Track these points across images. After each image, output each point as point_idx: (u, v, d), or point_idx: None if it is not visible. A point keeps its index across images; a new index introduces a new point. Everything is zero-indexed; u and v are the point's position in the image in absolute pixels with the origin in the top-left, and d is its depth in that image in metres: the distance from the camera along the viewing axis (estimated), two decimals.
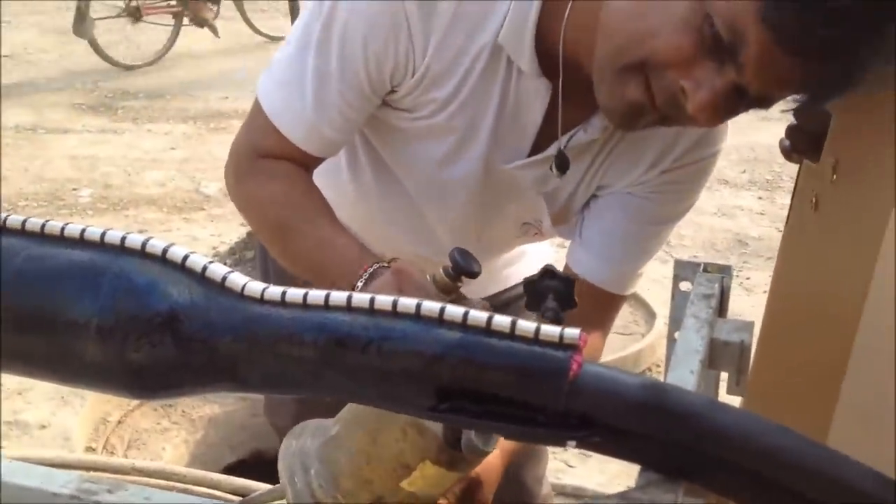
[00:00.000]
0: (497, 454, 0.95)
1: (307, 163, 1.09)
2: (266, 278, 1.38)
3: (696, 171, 1.13)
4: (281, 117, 1.06)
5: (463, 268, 0.83)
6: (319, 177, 1.12)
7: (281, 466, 0.80)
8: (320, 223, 1.05)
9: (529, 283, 0.79)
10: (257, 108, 1.08)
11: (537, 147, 1.08)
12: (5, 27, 6.07)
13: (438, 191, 1.15)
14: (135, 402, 2.11)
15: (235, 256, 3.35)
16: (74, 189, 3.99)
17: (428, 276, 0.86)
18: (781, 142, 1.22)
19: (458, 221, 1.18)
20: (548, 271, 0.79)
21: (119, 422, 2.10)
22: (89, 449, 1.99)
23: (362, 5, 0.97)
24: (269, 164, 1.08)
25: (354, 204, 1.22)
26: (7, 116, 4.75)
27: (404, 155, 1.13)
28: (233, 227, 3.69)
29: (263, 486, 1.31)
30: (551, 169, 1.08)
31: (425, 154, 1.11)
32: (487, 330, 0.55)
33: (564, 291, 0.79)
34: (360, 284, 0.94)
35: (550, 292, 0.79)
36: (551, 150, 1.07)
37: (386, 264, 0.95)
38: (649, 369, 2.91)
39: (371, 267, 0.94)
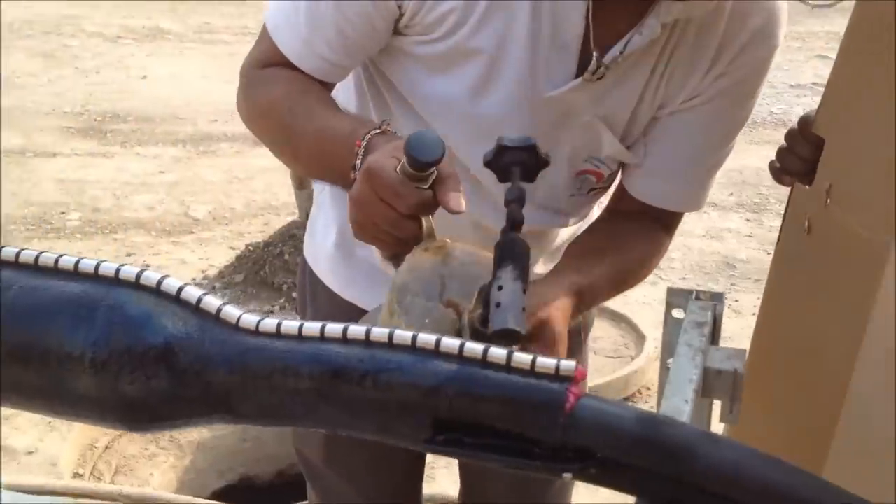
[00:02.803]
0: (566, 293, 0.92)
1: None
2: (304, 307, 1.36)
3: (753, 70, 1.07)
4: (279, 33, 1.03)
5: (417, 159, 0.74)
6: None
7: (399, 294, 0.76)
8: (317, 114, 0.99)
9: (491, 160, 0.75)
10: (264, 27, 1.06)
11: (584, 63, 0.99)
12: None
13: (474, 130, 1.03)
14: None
15: (225, 280, 3.34)
16: (63, 213, 3.97)
17: (398, 169, 0.77)
18: (772, 164, 1.23)
19: None
20: (504, 147, 0.75)
21: (106, 447, 2.09)
22: (76, 475, 1.97)
23: None
24: (269, 72, 1.05)
25: None
26: None
27: (431, 91, 1.03)
28: (222, 251, 3.68)
29: None
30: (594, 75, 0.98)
31: (454, 86, 1.01)
32: (483, 361, 0.55)
33: (532, 165, 0.76)
34: (357, 163, 0.87)
35: (517, 166, 0.75)
36: (615, 62, 0.98)
37: (378, 130, 0.88)
38: (639, 392, 2.91)
39: (363, 140, 0.87)
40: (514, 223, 0.71)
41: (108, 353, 0.55)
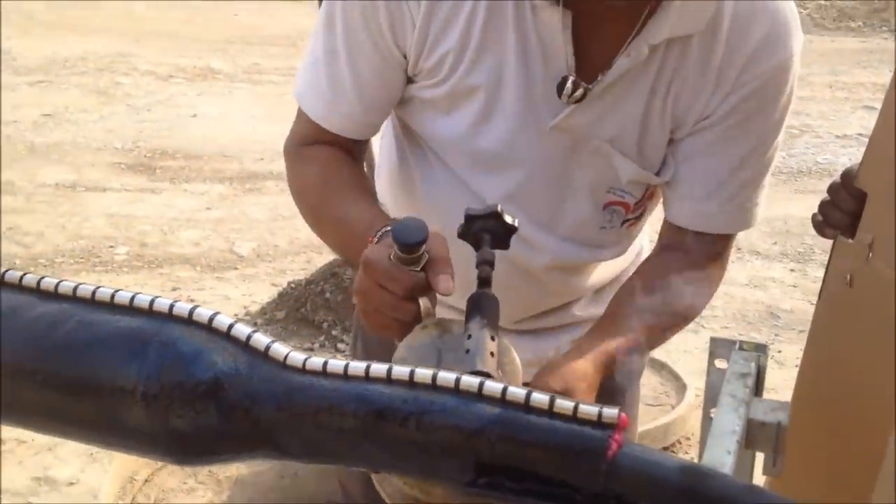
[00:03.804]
0: (588, 360, 0.91)
1: (347, 147, 1.09)
2: (354, 346, 1.37)
3: (766, 83, 1.02)
4: (304, 99, 1.08)
5: (403, 244, 0.78)
6: (390, 187, 1.13)
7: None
8: (341, 202, 1.03)
9: (462, 230, 0.80)
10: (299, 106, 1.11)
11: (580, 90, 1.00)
12: (47, 87, 6.23)
13: (482, 163, 1.06)
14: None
15: (266, 316, 3.37)
16: (111, 246, 4.04)
17: (391, 256, 0.81)
18: (814, 217, 1.22)
19: (523, 201, 1.07)
20: (470, 216, 0.80)
21: (146, 480, 2.10)
22: None
23: None
24: (308, 151, 1.10)
25: (418, 203, 1.16)
26: (47, 174, 4.85)
27: (441, 130, 1.07)
28: (265, 288, 3.71)
29: None
30: (560, 95, 0.99)
31: (458, 123, 1.05)
32: (526, 406, 0.56)
33: (500, 231, 0.80)
34: None
35: (487, 233, 0.80)
36: (599, 84, 0.99)
37: (389, 227, 0.90)
38: (679, 442, 2.87)
39: (376, 237, 0.90)
40: (484, 281, 0.78)
41: (159, 387, 0.56)
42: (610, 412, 0.54)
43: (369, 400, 0.57)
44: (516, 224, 0.80)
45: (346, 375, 0.58)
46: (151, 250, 4.10)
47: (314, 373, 0.58)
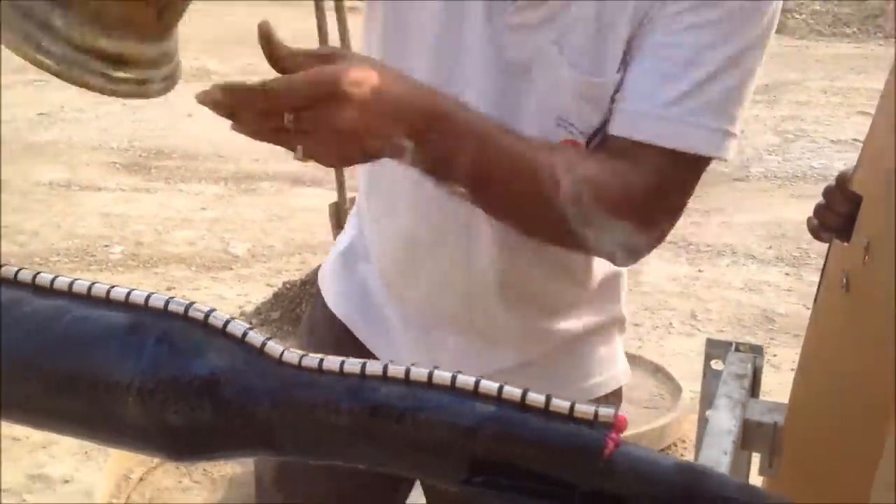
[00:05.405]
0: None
1: None
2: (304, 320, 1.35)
3: None
4: None
5: None
6: None
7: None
8: None
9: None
10: None
11: None
12: (42, 86, 6.22)
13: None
14: (157, 459, 2.10)
15: (261, 317, 3.37)
16: (106, 246, 4.04)
17: None
18: (810, 220, 1.23)
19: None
20: None
21: (141, 479, 2.10)
22: None
23: None
24: None
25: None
26: (42, 173, 4.85)
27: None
28: (259, 288, 3.71)
29: None
30: None
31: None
32: (522, 405, 0.56)
33: None
34: None
35: None
36: None
37: None
38: (674, 444, 2.87)
39: None
40: None
41: (154, 383, 0.56)
42: (606, 411, 0.54)
43: (364, 397, 0.57)
44: None
45: (341, 372, 0.58)
46: (146, 250, 4.10)
47: (310, 370, 0.58)
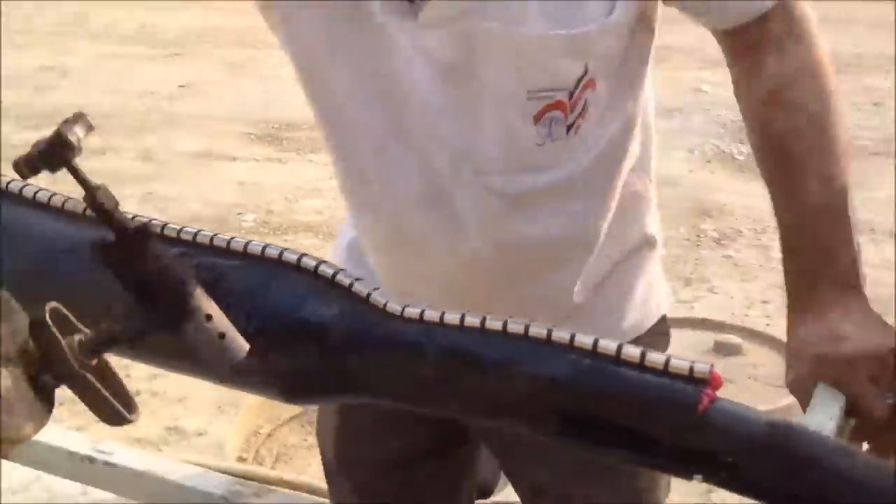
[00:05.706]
0: None
1: None
2: None
3: None
4: None
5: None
6: None
7: None
8: None
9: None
10: None
11: None
12: (181, 60, 6.48)
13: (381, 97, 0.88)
14: (284, 416, 2.19)
15: None
16: (239, 213, 4.20)
17: None
18: None
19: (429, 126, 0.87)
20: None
21: (269, 435, 2.19)
22: (241, 459, 2.08)
23: None
24: None
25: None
26: (182, 143, 5.07)
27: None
28: None
29: None
30: None
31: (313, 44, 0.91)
32: (617, 359, 0.56)
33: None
34: None
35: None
36: None
37: None
38: None
39: None
40: None
41: (271, 329, 0.60)
42: (702, 367, 0.54)
43: (463, 348, 0.59)
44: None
45: (441, 323, 0.60)
46: (277, 218, 4.24)
47: (411, 320, 0.60)
